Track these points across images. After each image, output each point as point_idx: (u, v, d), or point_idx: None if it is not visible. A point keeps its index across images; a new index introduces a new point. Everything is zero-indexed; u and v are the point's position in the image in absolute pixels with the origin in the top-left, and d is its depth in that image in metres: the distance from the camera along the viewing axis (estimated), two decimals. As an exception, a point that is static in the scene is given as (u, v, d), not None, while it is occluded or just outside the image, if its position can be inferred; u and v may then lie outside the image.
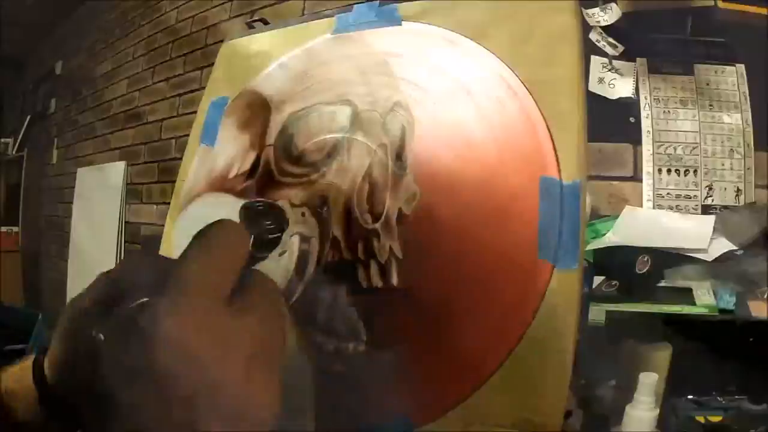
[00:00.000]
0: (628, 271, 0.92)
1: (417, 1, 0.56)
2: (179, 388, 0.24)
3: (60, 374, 0.30)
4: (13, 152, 3.22)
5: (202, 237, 0.28)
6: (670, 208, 1.11)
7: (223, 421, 0.24)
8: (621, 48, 1.15)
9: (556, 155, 0.44)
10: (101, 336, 0.26)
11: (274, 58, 0.64)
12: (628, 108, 1.15)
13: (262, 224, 0.36)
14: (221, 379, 0.25)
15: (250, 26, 0.72)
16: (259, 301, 0.28)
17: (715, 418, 0.80)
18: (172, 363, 0.24)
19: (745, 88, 1.12)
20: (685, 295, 0.89)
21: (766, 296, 0.86)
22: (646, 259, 0.93)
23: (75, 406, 0.27)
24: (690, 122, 1.12)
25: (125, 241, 2.12)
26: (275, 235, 0.36)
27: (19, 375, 0.32)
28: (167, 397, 0.24)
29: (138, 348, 0.24)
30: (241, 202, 0.59)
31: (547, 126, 0.45)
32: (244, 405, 0.25)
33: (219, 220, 0.29)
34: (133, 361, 0.24)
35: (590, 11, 1.14)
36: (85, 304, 0.28)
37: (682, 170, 1.11)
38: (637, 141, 1.14)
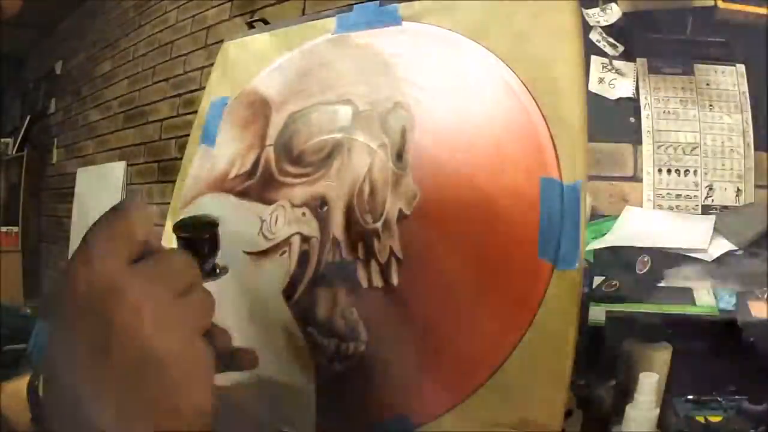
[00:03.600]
0: (628, 271, 0.92)
1: (417, 1, 0.56)
2: (90, 333, 0.26)
3: (46, 383, 0.31)
4: (13, 152, 3.22)
5: (108, 211, 0.31)
6: (670, 208, 1.10)
7: (129, 354, 0.26)
8: (621, 48, 1.15)
9: (557, 155, 0.44)
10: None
11: (274, 58, 0.64)
12: (628, 108, 1.15)
13: (195, 232, 0.36)
14: (117, 316, 0.26)
15: (250, 26, 0.72)
16: (158, 265, 0.30)
17: (715, 418, 0.80)
18: (73, 303, 0.27)
19: (745, 88, 1.11)
20: (685, 295, 0.89)
21: (766, 296, 0.86)
22: (646, 259, 0.93)
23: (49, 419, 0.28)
24: (690, 122, 1.12)
25: (125, 241, 2.11)
26: (208, 237, 0.36)
27: (15, 393, 0.33)
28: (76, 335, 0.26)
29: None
30: (241, 202, 0.59)
31: (547, 126, 0.45)
32: (146, 342, 0.27)
33: (124, 202, 0.31)
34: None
35: (590, 11, 1.14)
36: None
37: (682, 170, 1.11)
38: (637, 141, 1.13)
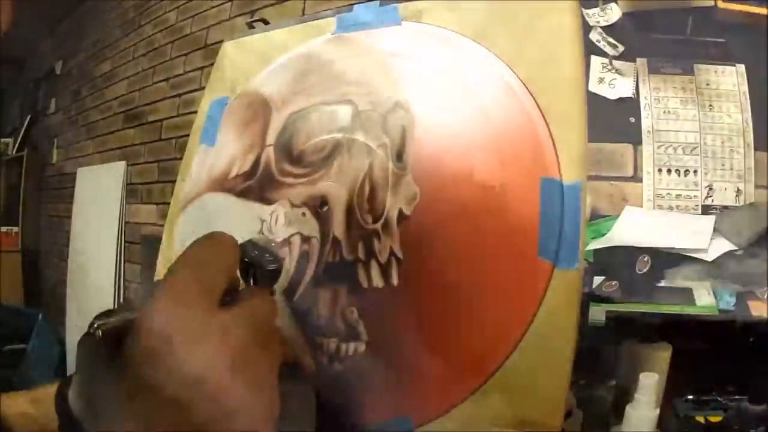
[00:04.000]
0: (628, 271, 0.92)
1: (417, 1, 0.56)
2: (161, 379, 0.25)
3: (84, 405, 0.29)
4: (13, 152, 3.22)
5: (192, 246, 0.29)
6: (670, 208, 1.11)
7: (208, 415, 0.25)
8: (621, 48, 1.15)
9: (557, 155, 0.44)
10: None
11: (274, 58, 0.64)
12: (628, 108, 1.15)
13: (261, 258, 0.37)
14: (202, 373, 0.25)
15: (250, 26, 0.72)
16: (249, 312, 0.29)
17: (715, 418, 0.80)
18: (154, 353, 0.25)
19: (745, 88, 1.12)
20: (685, 295, 0.89)
21: (766, 296, 0.86)
22: (646, 259, 0.93)
23: None
24: (690, 122, 1.12)
25: (125, 241, 2.12)
26: (274, 267, 0.37)
27: (38, 400, 0.33)
28: (152, 387, 0.25)
29: (129, 341, 0.25)
30: (241, 202, 0.60)
31: (547, 126, 0.45)
32: (228, 401, 0.26)
33: (210, 232, 0.30)
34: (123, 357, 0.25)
35: (590, 11, 1.14)
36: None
37: (682, 170, 1.12)
38: (637, 141, 1.14)
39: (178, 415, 0.25)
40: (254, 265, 0.36)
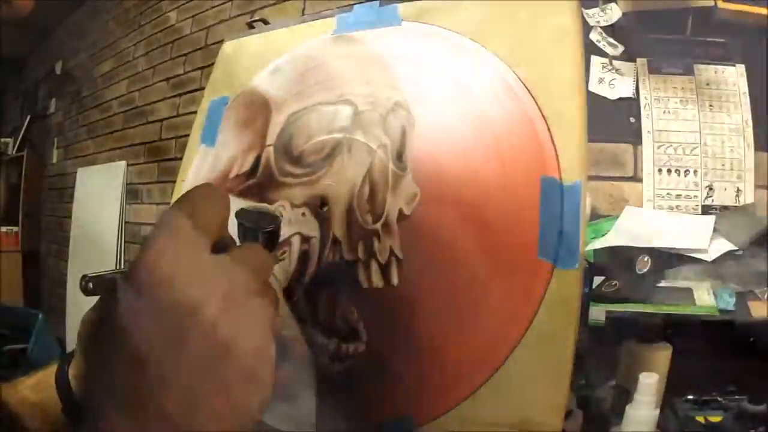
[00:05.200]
0: (628, 271, 0.92)
1: (417, 1, 0.56)
2: (157, 313, 0.26)
3: (87, 382, 0.30)
4: (13, 152, 3.22)
5: (186, 194, 0.30)
6: (670, 208, 1.11)
7: (202, 348, 0.26)
8: (621, 48, 1.15)
9: (557, 155, 0.44)
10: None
11: (274, 58, 0.64)
12: (628, 108, 1.15)
13: (257, 221, 0.37)
14: (196, 306, 0.26)
15: (250, 26, 0.72)
16: (243, 259, 0.29)
17: (715, 418, 0.80)
18: (151, 286, 0.26)
19: (745, 88, 1.12)
20: (685, 295, 0.89)
21: (766, 296, 0.86)
22: (646, 259, 0.93)
23: (101, 413, 0.27)
24: (690, 122, 1.12)
25: (125, 241, 2.12)
26: (271, 228, 0.37)
27: (39, 386, 0.33)
28: (146, 323, 0.26)
29: (126, 280, 0.26)
30: (241, 202, 0.59)
31: (547, 126, 0.45)
32: (222, 334, 0.26)
33: (201, 185, 0.31)
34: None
35: (590, 11, 1.14)
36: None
37: (682, 170, 1.11)
38: (637, 141, 1.14)
39: (173, 348, 0.25)
40: (252, 228, 0.36)
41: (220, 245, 0.30)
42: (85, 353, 0.29)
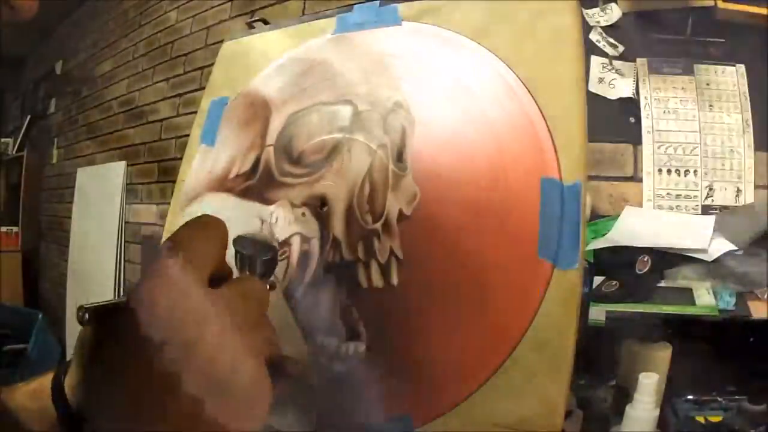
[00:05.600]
0: (628, 271, 0.92)
1: (417, 1, 0.56)
2: (152, 351, 0.26)
3: (82, 394, 0.30)
4: (13, 152, 3.22)
5: (181, 228, 0.30)
6: (670, 208, 1.10)
7: (200, 384, 0.26)
8: (621, 48, 1.15)
9: (557, 155, 0.44)
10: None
11: (274, 58, 0.64)
12: (628, 108, 1.15)
13: (255, 249, 0.37)
14: (192, 343, 0.26)
15: (250, 26, 0.72)
16: (238, 291, 0.30)
17: (715, 418, 0.80)
18: (145, 327, 0.26)
19: (745, 88, 1.12)
20: (685, 295, 0.89)
21: (766, 296, 0.86)
22: (646, 259, 0.93)
23: (97, 425, 0.27)
24: (690, 122, 1.12)
25: (125, 241, 2.12)
26: (268, 256, 0.37)
27: (37, 393, 0.33)
28: (143, 361, 0.26)
29: (121, 319, 0.27)
30: (241, 202, 0.59)
31: (547, 126, 0.45)
32: (219, 370, 0.26)
33: (199, 215, 0.31)
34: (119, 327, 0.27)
35: (590, 11, 1.14)
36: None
37: (682, 170, 1.11)
38: (637, 141, 1.14)
39: (170, 386, 0.26)
40: (249, 257, 0.36)
41: (218, 277, 0.30)
42: (84, 373, 0.29)
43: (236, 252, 0.36)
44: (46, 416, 0.31)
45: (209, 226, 0.31)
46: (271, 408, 0.29)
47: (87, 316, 0.27)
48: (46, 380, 0.32)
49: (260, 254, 0.37)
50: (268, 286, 0.37)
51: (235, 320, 0.28)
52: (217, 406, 0.26)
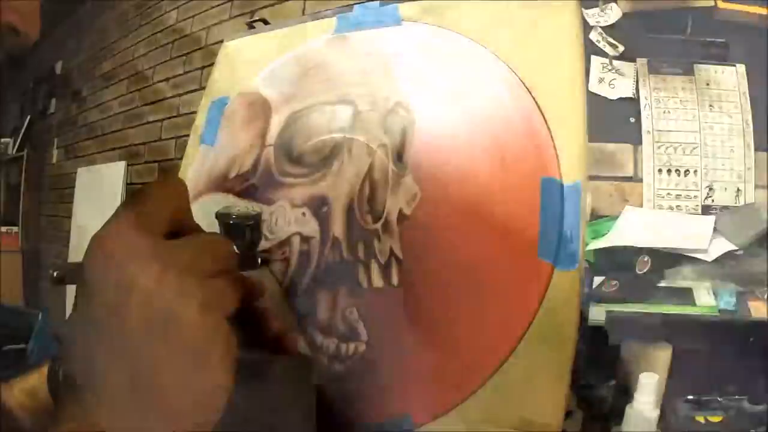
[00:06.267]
0: (628, 271, 0.92)
1: (417, 1, 0.56)
2: (100, 288, 0.27)
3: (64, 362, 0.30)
4: (13, 152, 3.22)
5: (139, 188, 0.31)
6: (670, 208, 1.10)
7: (140, 319, 0.26)
8: (621, 48, 1.15)
9: (557, 155, 0.44)
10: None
11: (274, 58, 0.64)
12: (628, 108, 1.15)
13: (238, 219, 0.37)
14: (134, 280, 0.27)
15: (250, 26, 0.72)
16: (193, 244, 0.30)
17: (715, 418, 0.80)
18: (95, 266, 0.28)
19: (745, 88, 1.12)
20: (685, 295, 0.89)
21: (766, 296, 0.86)
22: (646, 259, 0.93)
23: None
24: (690, 122, 1.12)
25: (125, 241, 2.11)
26: (252, 223, 0.37)
27: (33, 389, 0.33)
28: (92, 298, 0.27)
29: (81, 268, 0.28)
30: (241, 202, 0.60)
31: (548, 126, 0.45)
32: (158, 306, 0.27)
33: (159, 176, 0.31)
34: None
35: (590, 11, 1.14)
36: None
37: (682, 170, 1.11)
38: (637, 141, 1.14)
39: (116, 324, 0.26)
40: (233, 225, 0.36)
41: (182, 231, 0.30)
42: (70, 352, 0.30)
43: (219, 224, 0.36)
44: (44, 408, 0.32)
45: (164, 185, 0.32)
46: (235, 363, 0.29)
47: (56, 274, 0.28)
48: (41, 377, 0.33)
49: (243, 221, 0.37)
50: (260, 260, 0.36)
51: (183, 268, 0.28)
52: (161, 344, 0.26)
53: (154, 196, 0.30)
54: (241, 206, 0.39)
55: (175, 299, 0.27)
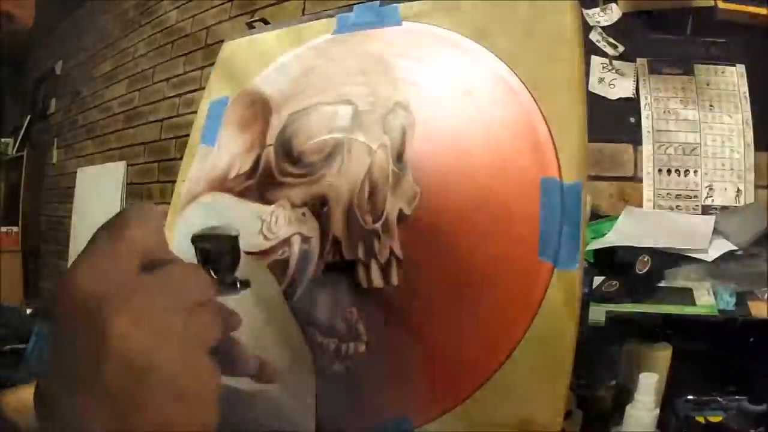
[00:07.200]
0: (628, 271, 0.92)
1: (417, 1, 0.56)
2: (84, 342, 0.26)
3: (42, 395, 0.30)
4: (13, 152, 3.22)
5: (114, 216, 0.30)
6: (670, 208, 1.11)
7: (118, 363, 0.26)
8: (621, 48, 1.15)
9: (557, 155, 0.44)
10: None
11: (274, 58, 0.64)
12: (628, 108, 1.15)
13: (216, 245, 0.36)
14: (108, 320, 0.26)
15: (250, 26, 0.72)
16: (167, 278, 0.29)
17: (715, 418, 0.80)
18: (74, 319, 0.26)
19: (745, 88, 1.12)
20: (685, 295, 0.89)
21: (766, 296, 0.86)
22: (646, 259, 0.93)
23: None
24: (690, 122, 1.12)
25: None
26: (229, 272, 0.36)
27: (26, 401, 0.33)
28: (71, 333, 0.26)
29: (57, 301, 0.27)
30: (241, 202, 0.60)
31: (547, 126, 0.45)
32: (133, 348, 0.26)
33: (134, 203, 0.31)
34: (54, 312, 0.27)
35: (590, 11, 1.14)
36: None
37: (682, 170, 1.12)
38: (637, 141, 1.14)
39: (93, 367, 0.25)
40: (208, 251, 0.35)
41: (156, 263, 0.29)
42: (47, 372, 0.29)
43: (195, 250, 0.35)
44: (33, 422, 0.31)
45: (138, 213, 0.30)
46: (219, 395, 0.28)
47: (31, 311, 0.28)
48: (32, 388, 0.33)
49: (218, 247, 0.35)
50: (238, 284, 0.35)
51: (162, 307, 0.27)
52: (141, 388, 0.26)
53: (128, 227, 0.29)
54: (219, 226, 0.37)
55: (155, 341, 0.26)
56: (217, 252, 0.35)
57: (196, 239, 0.35)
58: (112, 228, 0.29)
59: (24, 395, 0.34)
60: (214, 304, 0.31)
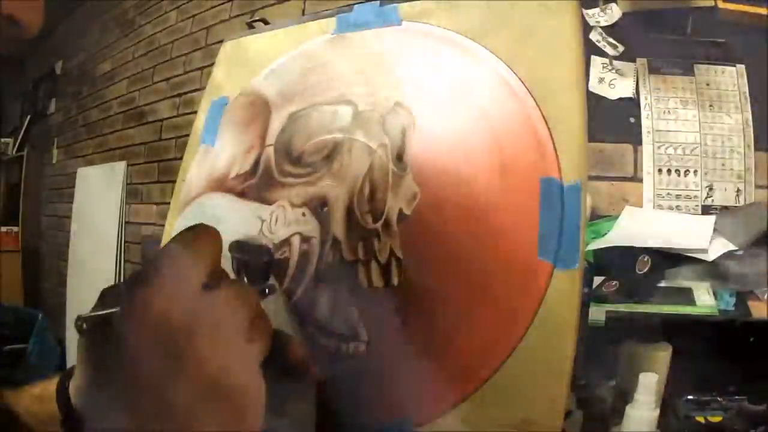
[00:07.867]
0: (628, 271, 0.92)
1: (417, 1, 0.56)
2: (147, 353, 0.26)
3: (82, 397, 0.30)
4: (13, 152, 3.22)
5: (176, 237, 0.31)
6: (670, 208, 1.11)
7: (190, 386, 0.26)
8: (621, 48, 1.15)
9: (557, 155, 0.44)
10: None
11: (274, 58, 0.64)
12: (628, 108, 1.15)
13: (251, 254, 0.37)
14: (185, 344, 0.27)
15: (250, 26, 0.72)
16: (229, 297, 0.30)
17: (715, 418, 0.80)
18: (141, 330, 0.27)
19: (745, 88, 1.12)
20: (685, 295, 0.89)
21: (766, 296, 0.86)
22: (646, 259, 0.93)
23: (93, 427, 0.28)
24: (690, 122, 1.12)
25: (125, 241, 2.12)
26: (265, 259, 0.38)
27: (41, 397, 0.33)
28: (139, 360, 0.26)
29: (119, 323, 0.27)
30: (241, 202, 0.59)
31: (547, 126, 0.45)
32: (211, 370, 0.27)
33: (194, 225, 0.31)
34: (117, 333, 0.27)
35: (590, 11, 1.14)
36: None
37: (682, 170, 1.12)
38: (637, 141, 1.14)
39: (161, 390, 0.26)
40: (245, 261, 0.36)
41: (214, 280, 0.30)
42: (85, 377, 0.29)
43: (232, 258, 0.36)
44: (52, 420, 0.31)
45: (203, 234, 0.32)
46: (265, 412, 0.29)
47: (84, 325, 0.28)
48: (51, 384, 0.33)
49: (255, 258, 0.37)
50: (267, 290, 0.37)
51: (227, 325, 0.28)
52: (208, 410, 0.27)
53: (194, 247, 0.30)
54: (254, 240, 0.39)
55: (228, 366, 0.27)
56: (255, 263, 0.37)
57: (233, 249, 0.37)
58: (178, 247, 0.30)
59: (41, 391, 0.34)
60: (265, 319, 0.32)
